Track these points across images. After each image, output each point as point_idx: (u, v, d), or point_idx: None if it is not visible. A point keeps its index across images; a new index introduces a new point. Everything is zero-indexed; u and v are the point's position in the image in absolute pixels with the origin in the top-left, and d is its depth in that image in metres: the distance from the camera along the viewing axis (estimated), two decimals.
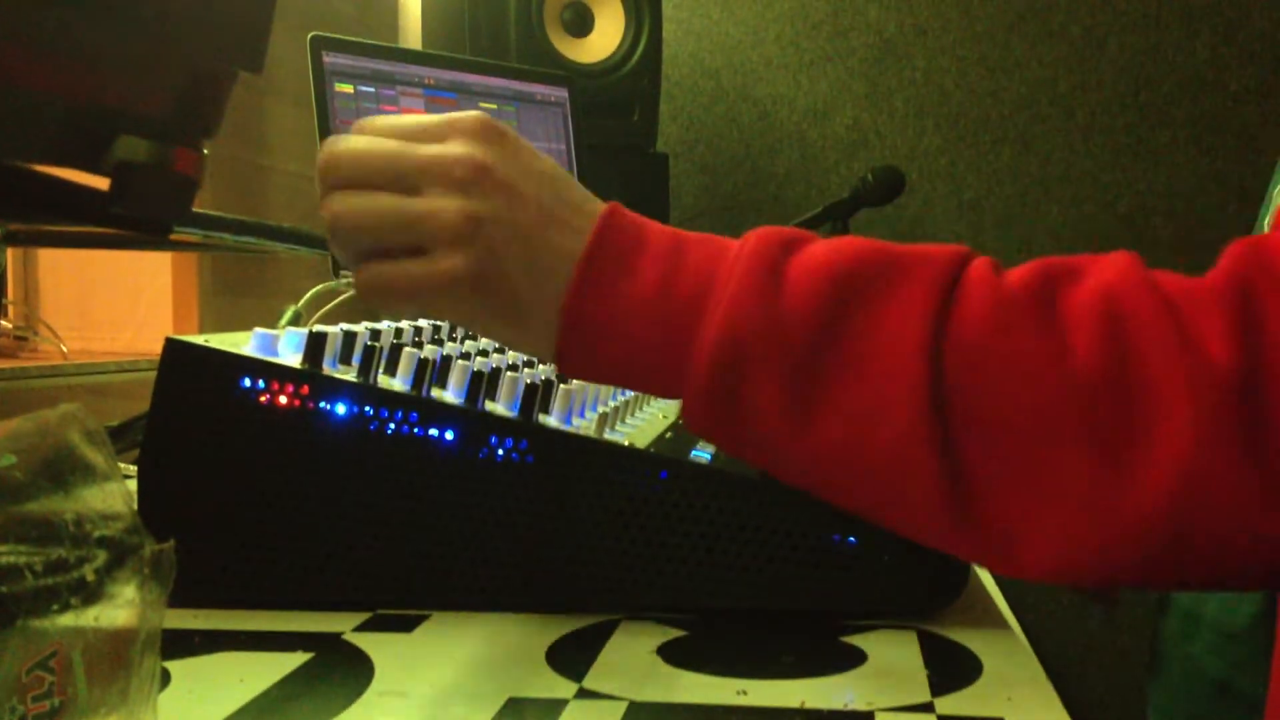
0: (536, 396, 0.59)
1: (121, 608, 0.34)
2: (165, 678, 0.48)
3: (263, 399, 0.57)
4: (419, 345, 0.63)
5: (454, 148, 0.48)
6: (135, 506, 0.36)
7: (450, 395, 0.59)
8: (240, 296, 1.40)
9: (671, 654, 0.52)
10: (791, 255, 0.46)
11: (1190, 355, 0.41)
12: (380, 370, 0.59)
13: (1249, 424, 0.40)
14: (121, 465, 0.38)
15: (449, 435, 0.57)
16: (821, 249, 0.47)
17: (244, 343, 0.60)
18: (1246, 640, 0.71)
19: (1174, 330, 0.42)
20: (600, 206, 0.49)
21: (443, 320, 0.51)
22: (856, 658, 0.52)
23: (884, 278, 0.45)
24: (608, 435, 0.60)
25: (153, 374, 0.58)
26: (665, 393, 0.49)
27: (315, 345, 0.58)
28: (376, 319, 0.73)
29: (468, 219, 0.47)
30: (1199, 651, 0.72)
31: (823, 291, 0.45)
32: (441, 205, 0.47)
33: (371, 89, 1.26)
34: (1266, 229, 0.75)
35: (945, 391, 0.43)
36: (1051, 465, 0.42)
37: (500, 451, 0.57)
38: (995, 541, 0.44)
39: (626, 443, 0.59)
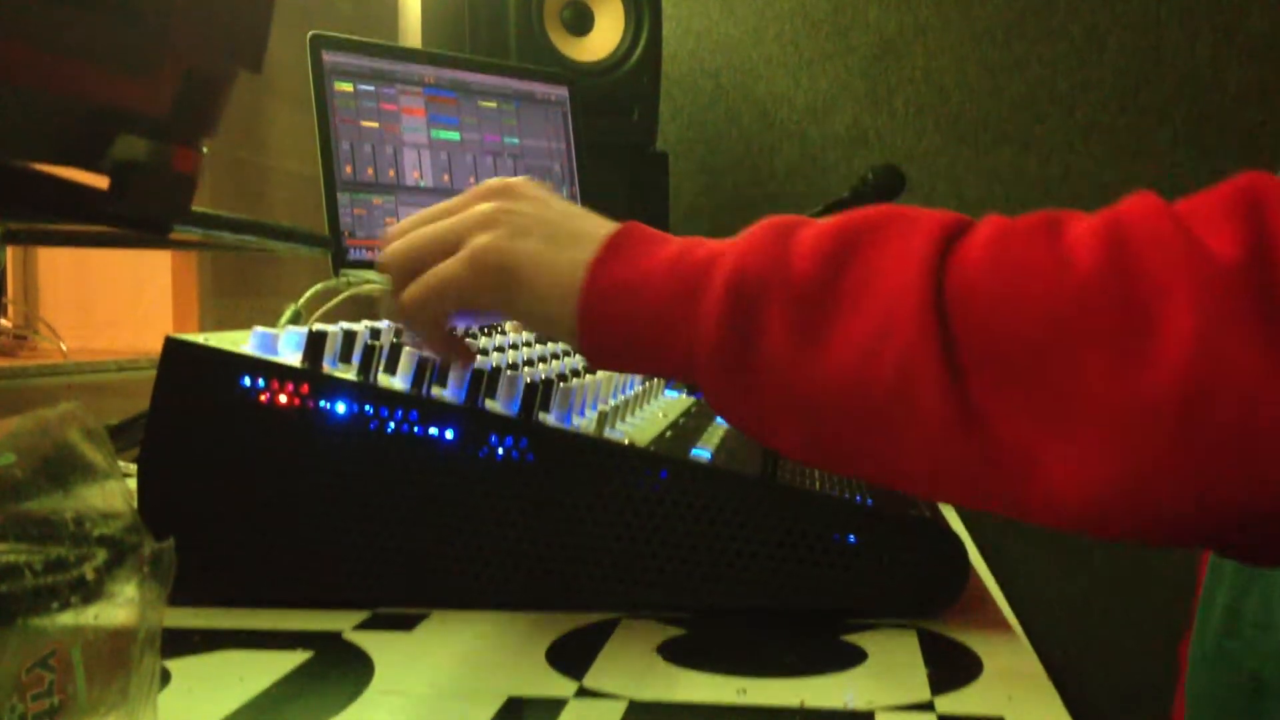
0: (536, 395, 0.59)
1: (121, 606, 0.34)
2: (165, 676, 0.48)
3: (263, 398, 0.57)
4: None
5: (478, 206, 0.55)
6: (135, 505, 0.36)
7: (450, 394, 0.59)
8: (240, 296, 1.40)
9: (671, 653, 0.52)
10: (802, 226, 0.49)
11: (1193, 251, 0.40)
12: (380, 369, 0.59)
13: (1258, 311, 0.39)
14: (121, 464, 0.38)
15: (449, 434, 0.57)
16: (831, 220, 0.49)
17: (244, 342, 0.60)
18: None
19: (1176, 232, 0.41)
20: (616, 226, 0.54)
21: (473, 309, 0.55)
22: (856, 657, 0.52)
23: (891, 225, 0.47)
24: (607, 434, 0.60)
25: (153, 373, 0.58)
26: (678, 354, 0.50)
27: (315, 344, 0.58)
28: (376, 318, 0.73)
29: (497, 209, 0.54)
30: (1238, 647, 0.72)
31: (829, 241, 0.47)
32: (474, 210, 0.55)
33: (371, 88, 1.26)
34: None
35: (948, 310, 0.43)
36: (1058, 376, 0.42)
37: (500, 450, 0.57)
38: (1011, 467, 0.43)
39: (626, 442, 0.59)
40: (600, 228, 0.53)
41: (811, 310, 0.46)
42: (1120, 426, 0.41)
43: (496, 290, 0.53)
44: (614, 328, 0.51)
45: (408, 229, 0.56)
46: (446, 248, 0.54)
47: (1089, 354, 0.41)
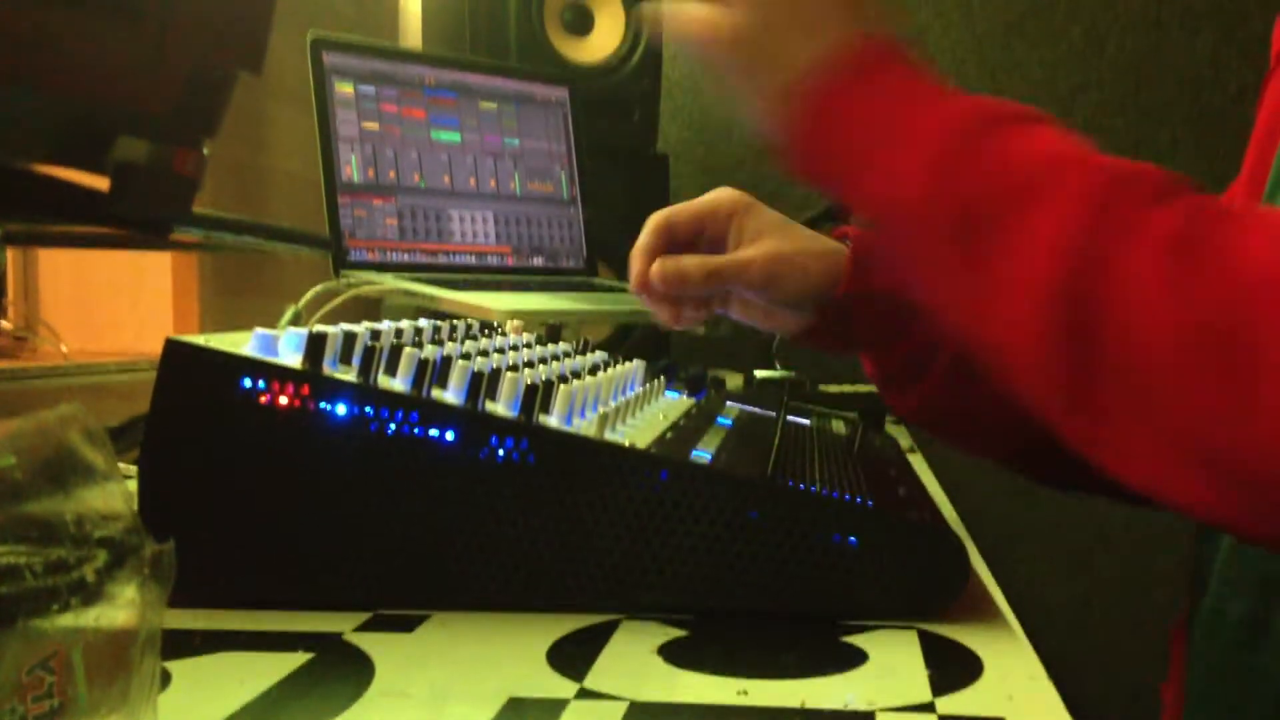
0: (537, 397, 0.59)
1: (121, 608, 0.34)
2: (165, 678, 0.48)
3: (263, 399, 0.57)
4: (419, 345, 0.63)
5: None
6: (135, 506, 0.36)
7: (450, 395, 0.59)
8: (240, 296, 1.40)
9: (672, 654, 0.52)
10: (1005, 140, 0.54)
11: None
12: (380, 370, 0.59)
13: None
14: (121, 465, 0.38)
15: (449, 435, 0.57)
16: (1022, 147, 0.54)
17: (244, 343, 0.60)
18: None
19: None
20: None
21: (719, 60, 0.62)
22: (856, 658, 0.52)
23: (1054, 181, 0.52)
24: (608, 435, 0.60)
25: (153, 374, 0.58)
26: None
27: (315, 345, 0.58)
28: (377, 319, 0.73)
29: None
30: (1268, 661, 0.71)
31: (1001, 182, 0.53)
32: None
33: (371, 88, 1.26)
34: None
35: (1081, 296, 0.49)
36: (1175, 407, 0.47)
37: (500, 452, 0.57)
38: (1101, 451, 0.51)
39: (627, 443, 0.59)
40: (833, 35, 0.57)
41: (972, 235, 0.52)
42: (1222, 471, 0.47)
43: (727, 63, 0.60)
44: (807, 168, 0.59)
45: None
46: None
47: (1206, 398, 0.46)
